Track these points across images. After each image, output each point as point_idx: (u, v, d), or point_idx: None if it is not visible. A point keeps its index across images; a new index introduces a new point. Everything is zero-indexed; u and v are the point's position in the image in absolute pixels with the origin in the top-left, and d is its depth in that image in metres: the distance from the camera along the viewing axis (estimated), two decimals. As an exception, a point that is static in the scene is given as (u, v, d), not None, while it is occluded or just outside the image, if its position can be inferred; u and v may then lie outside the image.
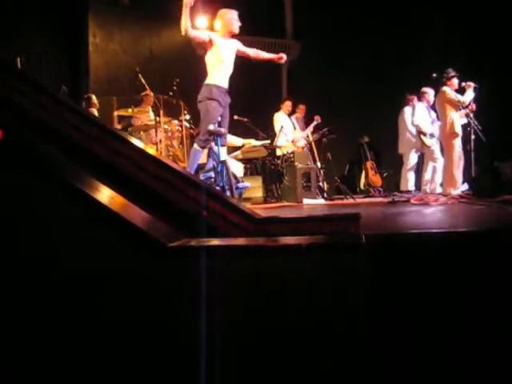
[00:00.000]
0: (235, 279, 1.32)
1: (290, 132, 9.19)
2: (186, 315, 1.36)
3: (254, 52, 6.39)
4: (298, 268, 1.33)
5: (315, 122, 9.46)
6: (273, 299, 1.34)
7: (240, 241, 1.57)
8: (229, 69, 6.13)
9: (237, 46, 6.27)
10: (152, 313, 1.33)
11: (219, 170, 5.84)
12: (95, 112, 8.01)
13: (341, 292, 1.33)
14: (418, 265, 1.84)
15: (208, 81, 6.03)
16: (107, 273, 1.32)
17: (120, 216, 1.29)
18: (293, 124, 9.42)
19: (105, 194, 1.47)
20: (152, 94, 8.05)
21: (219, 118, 5.97)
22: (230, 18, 6.14)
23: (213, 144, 5.94)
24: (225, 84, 6.07)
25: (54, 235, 1.36)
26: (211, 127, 5.80)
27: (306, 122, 9.77)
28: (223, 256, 1.32)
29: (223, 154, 6.00)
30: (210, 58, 6.08)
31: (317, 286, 1.32)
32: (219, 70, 6.04)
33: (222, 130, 5.95)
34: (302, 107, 9.97)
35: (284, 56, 6.40)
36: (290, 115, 9.44)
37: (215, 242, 1.48)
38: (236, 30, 6.14)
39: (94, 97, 8.22)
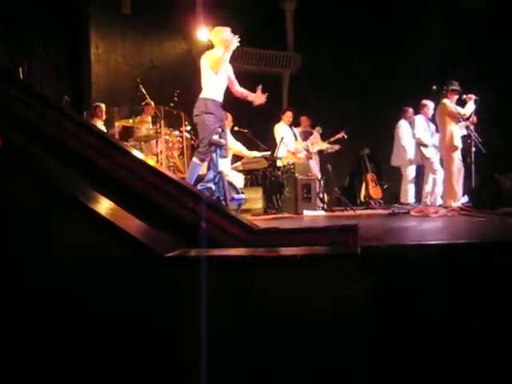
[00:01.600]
0: (231, 289, 1.33)
1: (291, 143, 9.20)
2: (183, 324, 1.36)
3: (238, 86, 6.38)
4: (293, 279, 1.33)
5: (316, 133, 9.49)
6: (267, 309, 1.34)
7: (236, 251, 1.57)
8: (224, 82, 6.15)
9: (230, 67, 6.29)
10: (149, 321, 1.33)
11: (217, 180, 5.88)
12: (98, 123, 8.03)
13: (336, 302, 1.33)
14: (416, 276, 1.84)
15: (203, 94, 6.05)
16: (104, 282, 1.32)
17: (117, 226, 1.29)
18: (294, 135, 9.44)
19: (102, 204, 1.47)
20: (152, 103, 8.07)
21: (219, 130, 5.99)
22: (226, 35, 6.14)
23: (213, 155, 5.97)
24: (220, 98, 6.08)
25: (49, 244, 1.37)
26: (215, 137, 5.83)
27: (309, 133, 9.80)
28: (219, 266, 1.33)
29: (222, 165, 6.04)
30: (206, 72, 6.09)
31: (311, 296, 1.33)
32: (215, 83, 6.05)
33: (223, 141, 5.98)
34: (304, 119, 10.00)
35: (263, 97, 6.38)
36: (291, 126, 9.45)
37: (212, 252, 1.48)
38: (234, 46, 6.09)
39: (102, 106, 8.23)
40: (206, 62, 6.11)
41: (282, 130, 9.11)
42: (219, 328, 1.40)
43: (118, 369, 1.39)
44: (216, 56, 6.07)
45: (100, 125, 8.07)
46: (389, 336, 1.77)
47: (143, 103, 8.17)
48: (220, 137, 5.97)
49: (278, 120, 9.36)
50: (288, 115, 9.37)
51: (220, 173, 5.95)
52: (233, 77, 6.35)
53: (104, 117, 8.28)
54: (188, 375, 1.37)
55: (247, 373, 1.44)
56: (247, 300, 1.40)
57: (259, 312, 1.41)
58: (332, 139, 9.54)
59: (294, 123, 9.63)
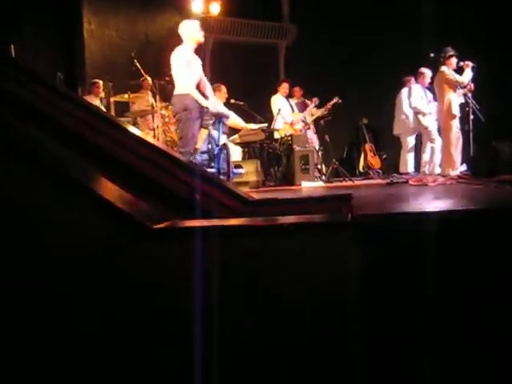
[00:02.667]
0: (223, 259, 1.32)
1: (288, 114, 9.16)
2: (174, 297, 1.35)
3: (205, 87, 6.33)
4: (284, 247, 1.33)
5: (313, 104, 9.43)
6: (256, 278, 1.34)
7: (225, 221, 1.57)
8: (198, 73, 6.16)
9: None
10: (138, 295, 1.33)
11: (216, 153, 5.88)
12: (96, 101, 7.97)
13: (327, 270, 1.33)
14: (412, 244, 1.83)
15: (179, 91, 6.02)
16: (93, 255, 1.31)
17: (103, 197, 1.28)
18: (291, 106, 9.39)
19: (90, 177, 1.46)
20: (149, 79, 8.01)
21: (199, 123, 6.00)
22: (195, 30, 6.18)
23: (211, 128, 5.98)
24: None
25: (40, 219, 1.36)
26: (214, 110, 5.85)
27: (304, 104, 9.74)
28: (210, 236, 1.32)
29: (223, 139, 6.09)
30: (177, 68, 6.06)
31: (302, 265, 1.32)
32: (189, 77, 6.03)
33: (226, 113, 6.01)
34: (296, 89, 9.92)
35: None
36: (287, 97, 9.40)
37: (202, 222, 1.48)
38: (202, 39, 6.20)
39: (99, 83, 8.17)
40: (176, 59, 6.10)
41: (279, 102, 9.06)
42: (212, 301, 1.40)
43: (99, 349, 1.39)
44: (185, 53, 6.08)
45: (97, 102, 8.02)
46: (385, 304, 1.77)
47: (141, 79, 8.10)
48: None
49: (275, 92, 9.30)
50: (284, 87, 9.31)
51: (224, 145, 5.99)
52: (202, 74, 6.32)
53: (102, 94, 8.23)
54: (177, 354, 1.37)
55: (242, 345, 1.44)
56: (239, 271, 1.39)
57: (252, 282, 1.40)
58: (327, 105, 9.47)
59: (289, 94, 9.57)
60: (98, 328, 1.35)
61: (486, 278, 1.83)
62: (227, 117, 6.53)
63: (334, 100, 9.40)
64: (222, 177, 5.57)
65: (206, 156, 6.03)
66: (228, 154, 5.94)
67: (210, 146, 5.96)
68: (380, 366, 1.72)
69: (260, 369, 1.44)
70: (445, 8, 9.72)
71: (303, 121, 9.25)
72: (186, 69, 5.98)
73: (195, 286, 1.39)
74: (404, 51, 9.79)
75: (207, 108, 5.98)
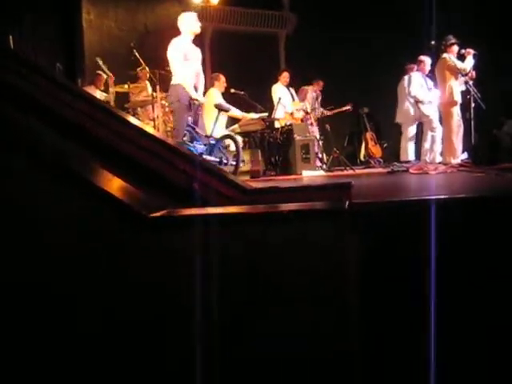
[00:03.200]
0: (220, 247, 1.32)
1: (289, 103, 9.13)
2: (173, 286, 1.36)
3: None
4: (282, 234, 1.33)
5: (314, 94, 9.41)
6: (256, 266, 1.34)
7: (223, 209, 1.57)
8: (195, 65, 6.34)
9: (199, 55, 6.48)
10: (137, 284, 1.33)
11: (214, 143, 6.01)
12: (97, 92, 7.97)
13: (325, 258, 1.33)
14: (409, 232, 1.83)
15: (174, 81, 6.14)
16: (90, 243, 1.31)
17: (100, 188, 1.28)
18: (291, 95, 9.36)
19: (87, 166, 1.46)
20: (147, 68, 7.99)
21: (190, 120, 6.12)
22: (192, 22, 6.38)
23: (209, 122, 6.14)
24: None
25: (39, 209, 1.36)
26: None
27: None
28: (208, 224, 1.32)
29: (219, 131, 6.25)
30: (174, 60, 6.22)
31: (300, 252, 1.32)
32: (185, 68, 6.18)
33: (226, 105, 6.17)
34: (319, 82, 9.89)
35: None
36: (288, 86, 9.37)
37: (199, 211, 1.48)
38: (198, 30, 6.40)
39: (103, 75, 8.17)
40: (172, 51, 6.26)
41: (279, 91, 9.04)
42: (212, 289, 1.40)
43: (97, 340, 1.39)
44: (182, 44, 6.26)
45: (97, 93, 8.02)
46: (383, 292, 1.77)
47: (139, 69, 8.08)
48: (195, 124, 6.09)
49: (275, 81, 9.27)
50: (285, 76, 9.29)
51: (230, 136, 6.16)
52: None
53: (101, 86, 8.25)
54: (177, 345, 1.37)
55: (243, 336, 1.44)
56: (238, 258, 1.39)
57: (252, 270, 1.40)
58: (336, 111, 9.49)
59: (294, 83, 9.54)
60: (97, 320, 1.35)
61: (486, 265, 1.83)
62: (227, 110, 6.63)
63: (346, 107, 9.43)
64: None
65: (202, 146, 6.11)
66: (238, 146, 6.12)
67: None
68: (379, 355, 1.72)
69: (258, 359, 1.44)
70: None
71: (304, 110, 9.23)
72: (182, 60, 6.11)
73: (194, 274, 1.39)
74: (405, 38, 9.74)
75: (197, 100, 6.10)
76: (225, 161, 6.13)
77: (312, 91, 9.66)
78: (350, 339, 1.48)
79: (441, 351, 1.74)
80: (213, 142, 6.12)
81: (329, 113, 9.58)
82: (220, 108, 6.48)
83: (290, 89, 9.40)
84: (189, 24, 6.33)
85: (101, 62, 7.84)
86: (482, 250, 1.84)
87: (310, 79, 9.92)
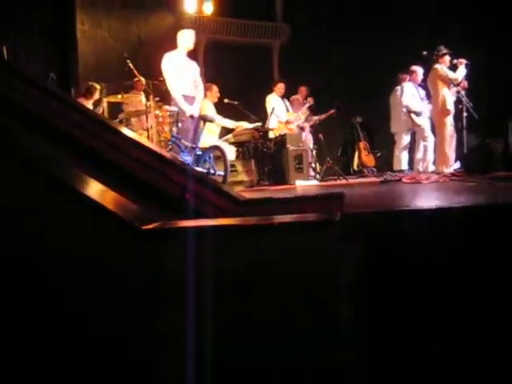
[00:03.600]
0: (211, 259, 1.33)
1: (283, 114, 9.16)
2: (165, 298, 1.36)
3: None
4: (274, 246, 1.33)
5: (308, 104, 9.45)
6: (247, 278, 1.35)
7: (215, 221, 1.57)
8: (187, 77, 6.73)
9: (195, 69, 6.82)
10: (128, 296, 1.33)
11: (200, 154, 6.12)
12: (89, 103, 7.97)
13: (317, 269, 1.33)
14: (401, 242, 1.84)
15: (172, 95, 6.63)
16: (81, 256, 1.32)
17: (93, 200, 1.28)
18: (286, 106, 9.40)
19: (79, 178, 1.46)
20: (143, 79, 8.00)
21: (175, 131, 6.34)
22: (187, 38, 6.72)
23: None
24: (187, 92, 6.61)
25: (27, 220, 1.36)
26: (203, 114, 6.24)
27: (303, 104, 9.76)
28: (200, 236, 1.32)
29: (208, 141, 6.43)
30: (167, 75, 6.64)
31: (289, 263, 1.33)
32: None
33: (209, 117, 6.38)
34: (302, 89, 9.93)
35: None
36: (283, 98, 9.40)
37: (192, 223, 1.48)
38: (191, 47, 6.73)
39: (97, 87, 8.17)
40: (164, 65, 6.72)
41: (273, 102, 9.07)
42: (204, 301, 1.41)
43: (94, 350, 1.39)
44: (173, 59, 6.66)
45: (90, 104, 8.03)
46: (376, 300, 1.78)
47: (135, 79, 8.09)
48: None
49: (270, 91, 9.30)
50: (280, 87, 9.33)
51: (217, 147, 6.29)
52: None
53: (96, 97, 8.24)
54: (169, 355, 1.37)
55: (236, 345, 1.45)
56: (230, 271, 1.39)
57: (243, 282, 1.41)
58: (323, 116, 9.51)
59: (288, 93, 9.58)
60: (86, 329, 1.35)
61: (479, 273, 1.84)
62: (211, 121, 6.76)
63: (331, 111, 9.45)
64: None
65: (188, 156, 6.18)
66: (225, 156, 6.20)
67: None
68: (373, 360, 1.73)
69: (257, 367, 1.45)
70: (439, 7, 9.77)
71: (298, 120, 9.26)
72: (174, 74, 6.38)
73: (186, 286, 1.39)
74: (398, 49, 9.81)
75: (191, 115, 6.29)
76: (212, 171, 6.17)
77: (301, 100, 9.72)
78: (343, 346, 1.49)
79: (441, 356, 1.75)
80: (199, 152, 6.19)
81: (315, 118, 9.59)
82: (203, 119, 6.60)
83: (285, 100, 9.44)
84: (186, 40, 6.65)
85: (128, 61, 7.85)
86: (475, 258, 1.85)
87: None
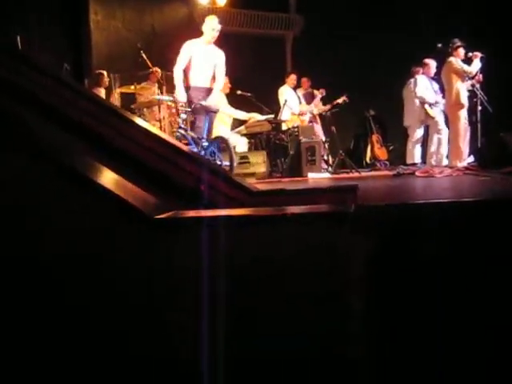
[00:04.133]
0: (224, 249, 1.32)
1: (296, 105, 9.15)
2: (176, 288, 1.36)
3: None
4: (287, 237, 1.33)
5: (319, 96, 9.42)
6: (261, 269, 1.35)
7: (228, 211, 1.57)
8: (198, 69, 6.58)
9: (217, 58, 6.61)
10: (140, 286, 1.33)
11: (206, 145, 6.11)
12: (102, 92, 8.02)
13: (330, 261, 1.33)
14: (415, 236, 1.83)
15: None
16: (93, 245, 1.32)
17: (105, 188, 1.28)
18: (298, 98, 9.38)
19: (92, 167, 1.47)
20: (159, 70, 8.02)
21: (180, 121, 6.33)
22: (209, 26, 6.53)
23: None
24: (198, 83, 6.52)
25: (40, 208, 1.36)
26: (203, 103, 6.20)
27: (311, 95, 9.73)
28: (212, 227, 1.32)
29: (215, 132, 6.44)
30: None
31: (305, 255, 1.32)
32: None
33: (213, 108, 6.32)
34: (304, 80, 9.91)
35: None
36: (295, 89, 9.38)
37: (204, 213, 1.48)
38: (210, 38, 6.54)
39: (105, 74, 8.22)
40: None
41: (286, 93, 9.05)
42: (217, 291, 1.41)
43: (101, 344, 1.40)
44: (190, 47, 6.53)
45: (102, 92, 8.07)
46: (388, 295, 1.77)
47: (151, 70, 8.11)
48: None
49: (283, 83, 9.28)
50: (292, 78, 9.31)
51: (221, 138, 6.25)
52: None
53: (107, 84, 8.29)
54: (183, 346, 1.38)
55: (249, 336, 1.45)
56: (243, 261, 1.39)
57: (256, 273, 1.41)
58: (334, 103, 9.48)
59: (296, 85, 9.57)
60: (99, 322, 1.36)
61: (492, 268, 1.83)
62: (215, 111, 6.70)
63: (342, 98, 9.40)
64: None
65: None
66: (229, 147, 6.20)
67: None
68: (385, 355, 1.73)
69: (266, 360, 1.45)
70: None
71: (310, 112, 9.24)
72: (183, 63, 6.36)
73: (199, 277, 1.39)
74: (412, 41, 9.75)
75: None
76: (218, 163, 6.18)
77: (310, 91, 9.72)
78: (354, 340, 1.48)
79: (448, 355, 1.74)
80: (205, 143, 6.17)
81: (327, 107, 9.57)
82: (207, 110, 6.54)
83: (297, 91, 9.42)
84: (206, 28, 6.53)
85: (142, 52, 7.88)
86: (488, 253, 1.84)
87: (316, 81, 9.94)
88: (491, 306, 1.80)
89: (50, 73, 2.35)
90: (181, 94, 6.34)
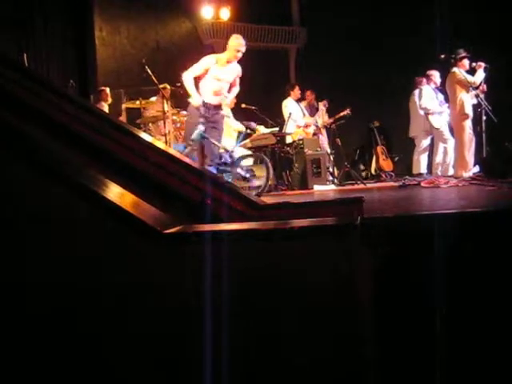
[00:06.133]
0: (232, 264, 1.34)
1: (300, 118, 9.15)
2: (184, 301, 1.37)
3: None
4: (294, 250, 1.34)
5: (323, 107, 9.43)
6: (267, 282, 1.35)
7: (235, 225, 1.58)
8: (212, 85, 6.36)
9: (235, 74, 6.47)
10: (149, 299, 1.35)
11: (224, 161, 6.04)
12: (105, 107, 8.07)
13: (335, 273, 1.34)
14: (421, 247, 1.84)
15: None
16: (105, 259, 1.33)
17: (115, 204, 1.30)
18: (302, 110, 9.40)
19: (101, 183, 1.48)
20: (168, 86, 8.03)
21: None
22: (232, 45, 6.32)
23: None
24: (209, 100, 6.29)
25: (52, 222, 1.38)
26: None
27: (314, 107, 9.76)
28: (221, 241, 1.33)
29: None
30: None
31: (312, 267, 1.33)
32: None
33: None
34: (308, 93, 9.93)
35: None
36: (298, 101, 9.40)
37: (212, 227, 1.49)
38: (235, 59, 6.33)
39: (107, 90, 8.27)
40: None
41: (290, 106, 9.07)
42: (223, 304, 1.41)
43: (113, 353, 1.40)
44: (209, 59, 6.29)
45: (105, 107, 8.12)
46: (396, 306, 1.77)
47: (161, 86, 8.13)
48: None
49: (287, 96, 9.31)
50: (296, 91, 9.33)
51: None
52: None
53: (109, 100, 8.32)
54: (190, 363, 1.38)
55: (255, 351, 1.45)
56: (250, 274, 1.40)
57: (263, 286, 1.42)
58: (337, 116, 9.49)
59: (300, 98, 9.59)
60: (107, 331, 1.37)
61: (499, 278, 1.83)
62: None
63: (345, 112, 9.41)
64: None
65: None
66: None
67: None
68: (391, 368, 1.73)
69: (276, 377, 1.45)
70: (457, 10, 9.71)
71: (315, 125, 9.26)
72: (195, 72, 6.16)
73: (206, 290, 1.40)
74: (415, 53, 9.77)
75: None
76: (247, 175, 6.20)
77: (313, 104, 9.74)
78: (364, 352, 1.49)
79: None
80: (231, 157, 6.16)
81: (330, 120, 9.59)
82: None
83: (300, 103, 9.44)
84: (229, 45, 6.37)
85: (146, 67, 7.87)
86: (496, 263, 1.84)
87: (320, 93, 9.96)
88: (497, 315, 1.80)
89: (57, 90, 2.38)
90: (196, 97, 6.13)
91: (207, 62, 6.26)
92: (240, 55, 6.29)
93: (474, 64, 7.67)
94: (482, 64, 7.62)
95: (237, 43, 6.28)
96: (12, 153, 1.45)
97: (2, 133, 1.54)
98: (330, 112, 9.70)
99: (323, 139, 9.39)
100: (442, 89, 8.57)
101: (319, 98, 9.87)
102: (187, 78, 6.17)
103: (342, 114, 9.46)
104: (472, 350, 1.76)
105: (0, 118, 1.63)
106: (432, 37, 9.86)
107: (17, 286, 1.42)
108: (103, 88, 8.34)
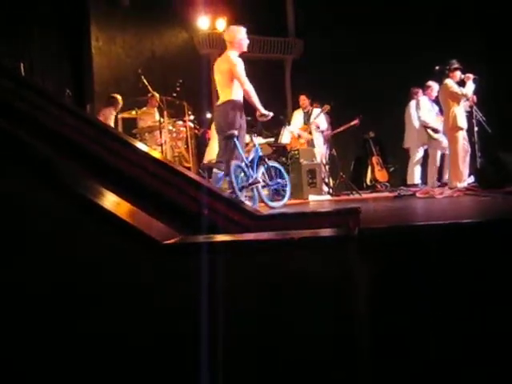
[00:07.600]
0: (229, 274, 1.35)
1: (297, 127, 9.14)
2: (182, 313, 1.38)
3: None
4: (291, 261, 1.35)
5: (321, 111, 9.44)
6: (265, 291, 1.37)
7: (233, 236, 1.59)
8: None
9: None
10: (149, 308, 1.35)
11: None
12: (113, 114, 8.00)
13: (334, 284, 1.35)
14: (417, 257, 1.85)
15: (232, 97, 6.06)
16: (103, 269, 1.34)
17: (114, 215, 1.31)
18: (304, 118, 9.40)
19: (99, 193, 1.49)
20: (157, 95, 8.05)
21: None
22: (242, 36, 6.22)
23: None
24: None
25: (55, 233, 1.39)
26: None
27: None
28: (218, 251, 1.35)
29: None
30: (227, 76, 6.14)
31: (309, 277, 1.35)
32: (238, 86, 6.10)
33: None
34: (302, 98, 9.93)
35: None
36: (304, 109, 9.39)
37: (210, 238, 1.51)
38: (245, 49, 6.24)
39: (119, 98, 8.16)
40: (240, 64, 6.08)
41: (296, 117, 9.14)
42: (220, 314, 1.42)
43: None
44: (235, 61, 6.07)
45: (113, 114, 8.05)
46: (392, 314, 1.78)
47: (149, 95, 8.14)
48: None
49: (298, 107, 9.37)
50: (302, 99, 9.36)
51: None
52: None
53: (119, 108, 8.23)
54: (189, 371, 1.39)
55: (254, 358, 1.46)
56: (247, 285, 1.42)
57: (261, 295, 1.43)
58: (346, 126, 9.51)
59: (297, 107, 9.62)
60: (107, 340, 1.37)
61: (492, 288, 1.84)
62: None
63: (354, 121, 9.43)
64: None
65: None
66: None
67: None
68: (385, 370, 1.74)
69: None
70: (450, 20, 9.78)
71: (317, 126, 9.20)
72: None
73: (204, 300, 1.41)
74: (411, 64, 9.82)
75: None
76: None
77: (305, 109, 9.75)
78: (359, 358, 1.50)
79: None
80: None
81: (337, 130, 9.60)
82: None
83: (303, 111, 9.44)
84: (237, 38, 6.23)
85: (142, 77, 7.83)
86: (491, 273, 1.85)
87: (316, 103, 9.98)
88: (492, 322, 1.81)
89: (55, 100, 2.39)
90: (264, 109, 6.09)
91: (242, 63, 6.13)
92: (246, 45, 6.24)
93: (462, 76, 7.68)
94: (471, 75, 7.60)
95: (243, 34, 6.24)
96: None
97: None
98: (333, 122, 9.73)
99: (321, 145, 9.33)
100: (437, 100, 8.61)
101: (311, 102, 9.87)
102: (251, 88, 6.11)
103: (351, 123, 9.48)
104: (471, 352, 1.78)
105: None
106: (428, 48, 9.95)
107: (19, 285, 1.43)
108: (114, 95, 8.26)
